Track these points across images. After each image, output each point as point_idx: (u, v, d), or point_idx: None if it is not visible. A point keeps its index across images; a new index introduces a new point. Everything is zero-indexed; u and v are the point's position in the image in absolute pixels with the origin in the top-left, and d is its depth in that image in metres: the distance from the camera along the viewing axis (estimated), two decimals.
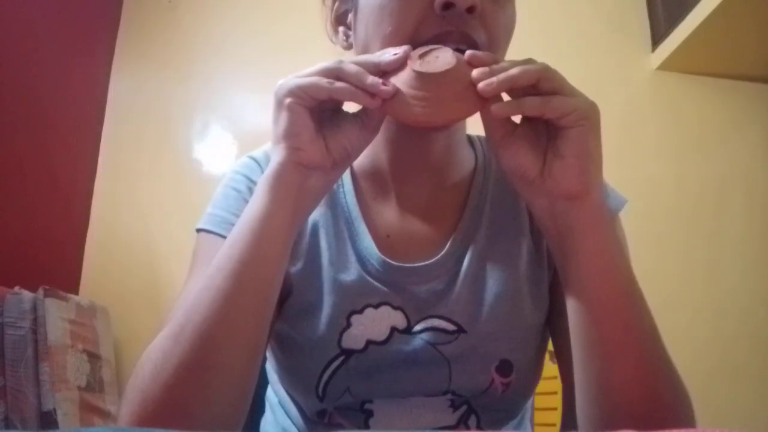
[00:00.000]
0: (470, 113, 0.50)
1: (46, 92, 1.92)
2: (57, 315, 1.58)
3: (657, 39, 1.83)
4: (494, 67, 0.48)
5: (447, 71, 0.48)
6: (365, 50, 0.58)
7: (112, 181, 2.13)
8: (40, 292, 1.57)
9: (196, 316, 0.46)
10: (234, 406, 0.48)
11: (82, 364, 1.63)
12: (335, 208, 0.64)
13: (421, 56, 0.50)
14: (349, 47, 0.64)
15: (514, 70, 0.47)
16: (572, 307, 0.49)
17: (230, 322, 0.46)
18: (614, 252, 0.48)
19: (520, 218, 0.64)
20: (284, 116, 0.48)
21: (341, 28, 0.65)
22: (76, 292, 1.97)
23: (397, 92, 0.48)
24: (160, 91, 2.19)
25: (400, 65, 0.50)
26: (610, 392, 0.46)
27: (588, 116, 0.46)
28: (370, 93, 0.48)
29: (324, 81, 0.48)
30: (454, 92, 0.48)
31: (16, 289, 1.55)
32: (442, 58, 0.49)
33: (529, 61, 0.48)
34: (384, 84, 0.48)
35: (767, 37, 1.58)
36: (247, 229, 0.48)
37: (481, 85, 0.47)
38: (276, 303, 0.51)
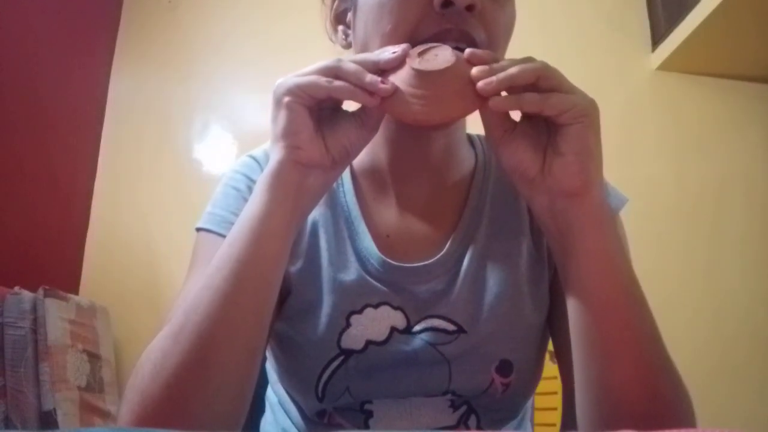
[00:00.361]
0: (469, 111, 0.49)
1: (46, 92, 1.92)
2: (57, 315, 1.58)
3: (657, 39, 1.83)
4: (494, 65, 0.48)
5: (446, 69, 0.48)
6: (364, 49, 0.58)
7: (112, 181, 2.13)
8: (40, 292, 1.57)
9: (195, 316, 0.45)
10: (234, 406, 0.47)
11: (82, 364, 1.63)
12: (335, 208, 0.64)
13: (420, 54, 0.49)
14: (348, 46, 0.64)
15: (513, 69, 0.46)
16: (572, 307, 0.49)
17: (229, 322, 0.46)
18: (614, 251, 0.48)
19: (521, 217, 0.64)
20: (283, 115, 0.48)
21: (340, 27, 0.65)
22: (76, 292, 1.97)
23: (396, 90, 0.48)
24: (160, 91, 2.19)
25: (399, 63, 0.49)
26: (610, 392, 0.46)
27: (587, 113, 0.46)
28: (369, 91, 0.48)
29: (323, 80, 0.48)
30: (453, 90, 0.48)
31: (16, 289, 1.55)
32: (442, 57, 0.49)
33: (528, 59, 0.48)
34: (383, 82, 0.48)
35: (767, 37, 1.58)
36: (246, 228, 0.48)
37: (480, 83, 0.47)
38: (275, 302, 0.51)
